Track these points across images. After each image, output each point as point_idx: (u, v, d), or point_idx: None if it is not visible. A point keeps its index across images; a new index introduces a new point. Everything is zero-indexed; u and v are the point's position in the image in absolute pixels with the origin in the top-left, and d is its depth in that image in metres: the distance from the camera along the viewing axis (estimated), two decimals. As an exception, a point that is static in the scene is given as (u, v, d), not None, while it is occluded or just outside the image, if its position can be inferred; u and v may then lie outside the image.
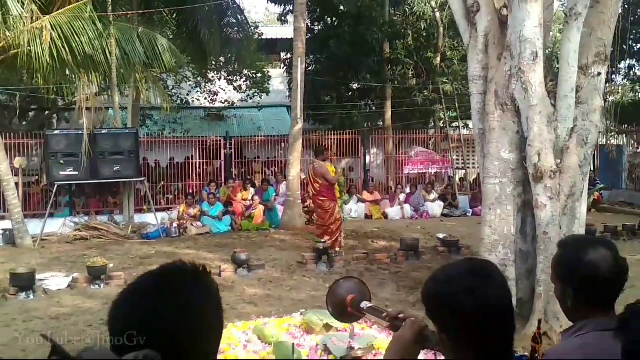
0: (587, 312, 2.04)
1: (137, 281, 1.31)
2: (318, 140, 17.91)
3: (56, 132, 13.73)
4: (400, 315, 1.81)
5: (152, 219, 13.52)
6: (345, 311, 2.19)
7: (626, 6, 9.57)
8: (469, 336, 1.51)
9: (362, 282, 2.32)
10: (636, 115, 19.86)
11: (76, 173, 12.67)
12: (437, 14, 19.66)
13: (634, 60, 22.46)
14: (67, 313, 7.07)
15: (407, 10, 20.25)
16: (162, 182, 16.07)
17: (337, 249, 10.48)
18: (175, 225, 13.28)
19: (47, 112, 19.39)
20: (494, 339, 1.52)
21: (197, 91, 21.73)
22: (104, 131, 13.27)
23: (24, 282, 7.91)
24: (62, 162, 12.56)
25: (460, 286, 1.52)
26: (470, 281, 1.52)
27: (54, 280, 8.50)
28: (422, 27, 20.01)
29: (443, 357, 1.64)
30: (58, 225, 12.97)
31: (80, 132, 12.67)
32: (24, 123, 18.50)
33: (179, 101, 20.75)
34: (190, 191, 15.21)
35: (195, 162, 16.45)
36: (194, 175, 16.30)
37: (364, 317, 2.19)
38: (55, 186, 12.82)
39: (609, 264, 2.01)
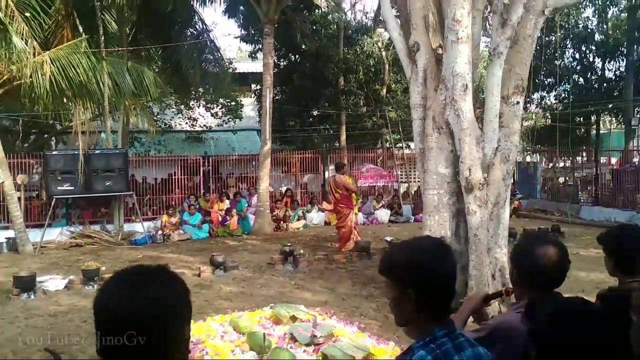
0: (526, 291, 2.10)
1: (119, 276, 1.27)
2: (284, 159, 17.93)
3: (54, 152, 13.37)
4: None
5: (139, 228, 13.27)
6: None
7: (538, 47, 9.91)
8: (432, 295, 1.57)
9: None
10: (547, 137, 20.43)
11: (72, 188, 12.36)
12: (383, 53, 19.92)
13: (545, 91, 23.12)
14: (64, 311, 6.85)
15: (358, 49, 20.45)
16: (148, 195, 15.76)
17: (344, 249, 10.60)
18: (159, 232, 13.05)
19: (46, 135, 18.86)
20: (447, 298, 1.62)
21: (179, 117, 21.51)
22: (97, 151, 12.98)
23: (26, 284, 7.69)
24: (59, 178, 12.23)
25: (432, 255, 1.59)
26: (440, 251, 1.61)
27: (53, 282, 8.24)
28: (371, 63, 20.24)
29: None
30: (56, 234, 12.60)
31: (76, 153, 12.39)
32: (26, 145, 17.94)
33: (163, 125, 20.47)
34: (173, 203, 14.96)
35: (177, 178, 16.21)
36: (176, 189, 16.03)
37: None
38: (54, 199, 12.46)
39: (549, 258, 2.05)
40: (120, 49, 13.41)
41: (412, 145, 14.91)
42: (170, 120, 21.20)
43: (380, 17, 15.90)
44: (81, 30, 12.38)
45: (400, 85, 19.95)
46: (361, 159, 19.14)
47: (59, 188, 12.28)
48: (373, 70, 20.44)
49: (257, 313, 6.28)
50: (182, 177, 16.29)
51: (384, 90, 20.18)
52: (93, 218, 14.04)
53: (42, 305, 7.21)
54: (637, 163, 18.14)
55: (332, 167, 19.02)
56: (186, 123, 21.79)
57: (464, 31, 6.26)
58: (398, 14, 7.95)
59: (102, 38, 12.71)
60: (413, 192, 18.41)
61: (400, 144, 19.99)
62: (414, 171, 17.76)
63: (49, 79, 10.63)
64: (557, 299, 1.74)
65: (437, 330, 1.55)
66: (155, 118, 18.67)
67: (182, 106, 20.70)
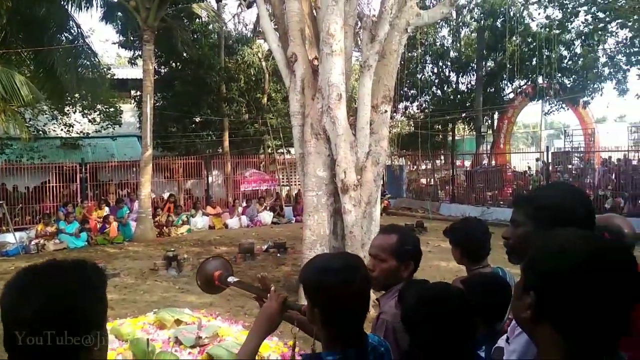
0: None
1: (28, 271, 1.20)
2: (166, 164, 17.27)
3: None
4: (272, 288, 1.83)
5: (11, 238, 12.06)
6: (212, 284, 2.19)
7: (402, 62, 10.49)
8: (340, 314, 1.51)
9: (227, 260, 2.32)
10: (411, 143, 21.69)
11: None
12: (264, 63, 19.95)
13: (408, 102, 24.47)
14: None
15: (239, 59, 20.28)
16: (20, 205, 14.36)
17: None
18: (33, 242, 11.94)
19: None
20: (356, 317, 1.54)
21: (54, 123, 19.82)
22: (-40, 159, 11.64)
23: None
24: None
25: (340, 278, 1.50)
26: (348, 274, 1.51)
27: None
28: (252, 73, 20.19)
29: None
30: None
31: None
32: None
33: (36, 131, 18.75)
34: (48, 212, 13.77)
35: (52, 186, 14.97)
36: (51, 197, 14.80)
37: (228, 287, 2.17)
38: None
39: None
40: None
41: (292, 150, 15.03)
42: (44, 126, 19.44)
43: (260, 29, 15.92)
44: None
45: (280, 94, 20.09)
46: (244, 164, 19.01)
47: None
48: (254, 79, 20.41)
49: (140, 319, 5.97)
50: (57, 184, 15.07)
51: (265, 99, 20.22)
52: (-43, 230, 12.54)
53: None
54: (486, 165, 19.85)
55: (215, 172, 18.77)
56: (61, 129, 20.14)
57: (338, 44, 6.46)
58: (276, 26, 8.01)
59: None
60: (294, 195, 18.61)
61: (281, 150, 20.12)
62: (294, 175, 18.00)
63: None
64: (424, 284, 1.84)
65: (349, 350, 1.51)
66: (27, 124, 17.04)
67: (57, 112, 19.11)
